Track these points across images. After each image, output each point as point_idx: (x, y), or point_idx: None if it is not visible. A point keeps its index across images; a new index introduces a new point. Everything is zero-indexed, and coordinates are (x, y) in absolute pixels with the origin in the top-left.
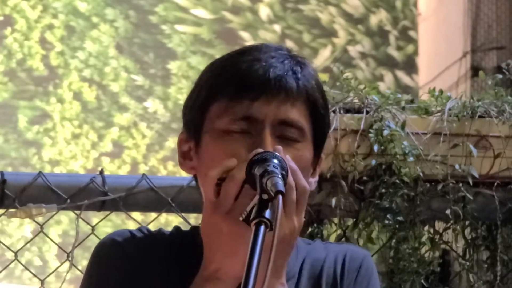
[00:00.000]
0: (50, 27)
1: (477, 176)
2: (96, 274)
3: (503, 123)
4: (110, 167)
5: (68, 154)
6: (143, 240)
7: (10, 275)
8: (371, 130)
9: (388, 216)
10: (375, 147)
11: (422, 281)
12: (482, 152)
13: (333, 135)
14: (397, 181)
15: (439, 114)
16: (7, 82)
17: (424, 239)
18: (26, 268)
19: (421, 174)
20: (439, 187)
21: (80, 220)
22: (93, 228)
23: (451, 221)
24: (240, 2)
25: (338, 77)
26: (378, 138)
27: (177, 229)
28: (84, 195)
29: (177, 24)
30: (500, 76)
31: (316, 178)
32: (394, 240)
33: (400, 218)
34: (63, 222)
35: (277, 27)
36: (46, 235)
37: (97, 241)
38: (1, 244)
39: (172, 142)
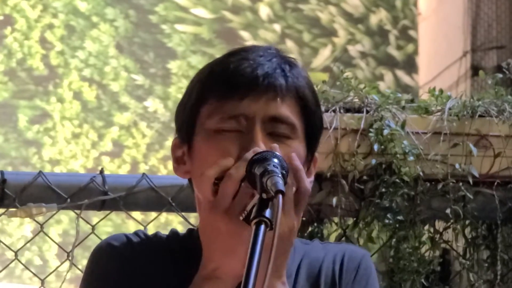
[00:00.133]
0: (50, 26)
1: (477, 175)
2: (93, 279)
3: (503, 123)
4: (110, 167)
5: (68, 153)
6: (140, 244)
7: (10, 275)
8: (371, 130)
9: (388, 215)
10: (375, 147)
11: (423, 280)
12: (482, 152)
13: (333, 134)
14: (397, 180)
15: (439, 113)
16: (7, 82)
17: (424, 238)
18: (26, 268)
19: (421, 173)
20: (439, 186)
21: (80, 219)
22: (93, 227)
23: (451, 220)
24: (240, 2)
25: (338, 76)
26: (378, 137)
27: (173, 232)
28: (84, 194)
29: (177, 23)
30: (500, 75)
31: (312, 178)
32: (394, 240)
33: (400, 218)
34: (63, 222)
35: (277, 27)
36: (46, 234)
37: (97, 240)
38: (1, 244)
39: (171, 146)
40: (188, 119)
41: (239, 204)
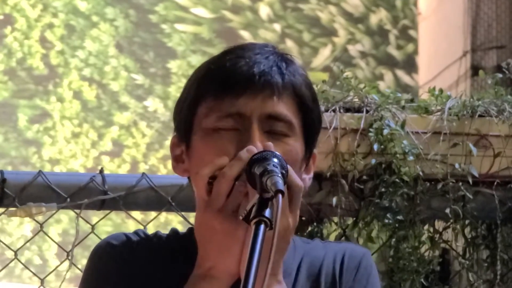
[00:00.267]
0: (50, 26)
1: (477, 175)
2: (93, 277)
3: (503, 122)
4: (110, 166)
5: (68, 153)
6: (139, 243)
7: (10, 274)
8: (371, 129)
9: (388, 215)
10: (375, 146)
11: (422, 280)
12: (482, 151)
13: (333, 134)
14: (397, 180)
15: (439, 113)
16: (7, 81)
17: (424, 238)
18: (26, 267)
19: (421, 173)
20: (439, 186)
21: (80, 219)
22: (93, 227)
23: (451, 220)
24: (240, 1)
25: (338, 76)
26: (378, 137)
27: (174, 231)
28: (84, 194)
29: (177, 23)
30: (500, 75)
31: (311, 175)
32: (394, 239)
33: (400, 217)
34: (63, 221)
35: (277, 26)
36: (46, 234)
37: (97, 240)
38: (1, 243)
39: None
40: (185, 118)
41: (233, 202)
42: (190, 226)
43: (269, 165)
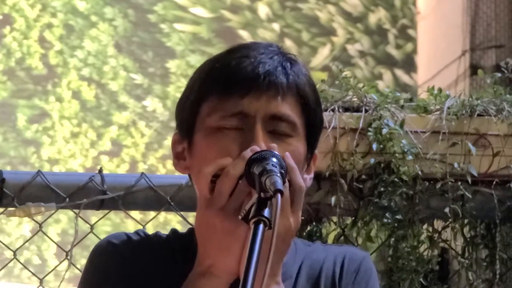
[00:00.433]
0: (49, 26)
1: (476, 174)
2: (93, 276)
3: (502, 122)
4: (109, 166)
5: (67, 153)
6: (140, 242)
7: (9, 274)
8: (370, 129)
9: (387, 214)
10: (374, 146)
11: (421, 279)
12: (481, 151)
13: (332, 133)
14: (396, 179)
15: (438, 112)
16: (6, 81)
17: (423, 237)
18: (25, 267)
19: (420, 172)
20: (438, 185)
21: (79, 219)
22: (92, 227)
23: (450, 220)
24: (239, 1)
25: (337, 75)
26: (377, 136)
27: (174, 231)
28: (83, 194)
29: (176, 23)
30: (499, 74)
31: (312, 175)
32: (393, 239)
33: (399, 217)
34: (62, 221)
35: (276, 26)
36: (45, 234)
37: (96, 239)
38: (0, 243)
39: (170, 141)
40: (188, 116)
41: (236, 201)
42: (190, 226)
43: (268, 165)
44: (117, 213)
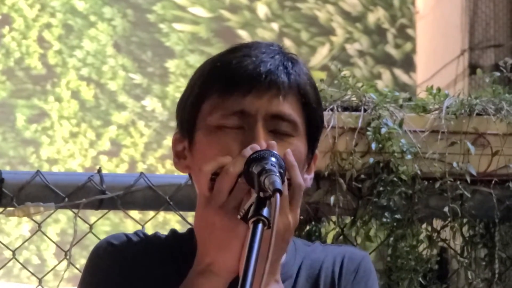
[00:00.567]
0: (48, 26)
1: (475, 173)
2: (92, 277)
3: (500, 121)
4: (108, 166)
5: (66, 152)
6: (139, 243)
7: (8, 274)
8: (369, 128)
9: (386, 214)
10: (373, 145)
11: (420, 279)
12: (480, 150)
13: (331, 133)
14: (395, 179)
15: (437, 112)
16: (5, 81)
17: (422, 237)
18: (24, 267)
19: (419, 172)
20: (437, 185)
21: (78, 218)
22: (91, 226)
23: (449, 219)
24: (238, 1)
25: (336, 75)
26: (376, 136)
27: (173, 232)
28: (82, 193)
29: (175, 22)
30: (497, 74)
31: (312, 175)
32: (392, 238)
33: (398, 216)
34: (61, 221)
35: (275, 26)
36: (44, 233)
37: (95, 239)
38: None
39: (170, 141)
40: (189, 115)
41: (235, 199)
42: (189, 226)
43: (267, 164)
44: (116, 213)
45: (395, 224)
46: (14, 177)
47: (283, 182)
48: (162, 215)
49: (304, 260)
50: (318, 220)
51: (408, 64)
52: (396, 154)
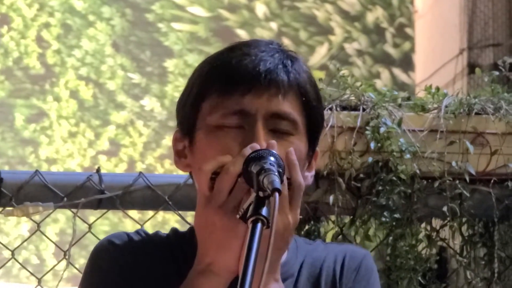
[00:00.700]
0: (47, 25)
1: (474, 173)
2: (94, 276)
3: (499, 120)
4: (107, 166)
5: (65, 152)
6: (141, 242)
7: (7, 274)
8: (367, 128)
9: (385, 213)
10: (372, 145)
11: (419, 278)
12: (478, 149)
13: (330, 132)
14: (394, 178)
15: (435, 111)
16: (4, 81)
17: (421, 236)
18: (23, 267)
19: (417, 171)
20: (436, 184)
21: (77, 218)
22: (90, 226)
23: (448, 218)
24: (237, 0)
25: (334, 74)
26: (374, 135)
27: (174, 231)
28: (81, 193)
29: (174, 22)
30: (496, 73)
31: (313, 172)
32: (391, 238)
33: (397, 216)
34: (60, 221)
35: (273, 25)
36: (43, 233)
37: (94, 239)
38: None
39: (169, 140)
40: (189, 114)
41: (235, 199)
42: (190, 225)
43: (266, 164)
44: (115, 212)
45: (394, 223)
46: (13, 177)
47: (282, 181)
48: (161, 214)
49: (306, 259)
50: (317, 219)
51: (406, 63)
52: (395, 153)
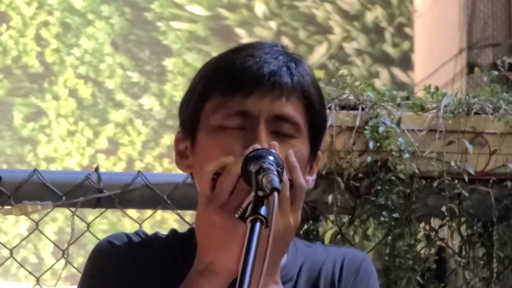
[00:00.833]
0: (46, 24)
1: (472, 173)
2: (93, 277)
3: (498, 120)
4: (106, 164)
5: (63, 151)
6: (140, 243)
7: (5, 273)
8: (366, 127)
9: (384, 213)
10: (371, 144)
11: (418, 278)
12: (477, 149)
13: (329, 132)
14: (393, 178)
15: (434, 111)
16: (3, 79)
17: (420, 236)
18: (22, 266)
19: (416, 171)
20: (435, 184)
21: (75, 217)
22: (88, 225)
23: (447, 218)
24: None
25: (333, 74)
26: (373, 135)
27: (173, 232)
28: (79, 192)
29: (173, 21)
30: (495, 72)
31: (314, 176)
32: (390, 237)
33: (395, 215)
34: (58, 219)
35: (272, 24)
36: (41, 232)
37: (92, 238)
38: None
39: (167, 139)
40: (192, 114)
41: (236, 199)
42: (187, 224)
43: (265, 163)
44: (113, 211)
45: (393, 223)
46: (12, 175)
47: (281, 181)
48: (159, 213)
49: (305, 262)
50: (316, 219)
51: (406, 63)
52: (394, 153)
